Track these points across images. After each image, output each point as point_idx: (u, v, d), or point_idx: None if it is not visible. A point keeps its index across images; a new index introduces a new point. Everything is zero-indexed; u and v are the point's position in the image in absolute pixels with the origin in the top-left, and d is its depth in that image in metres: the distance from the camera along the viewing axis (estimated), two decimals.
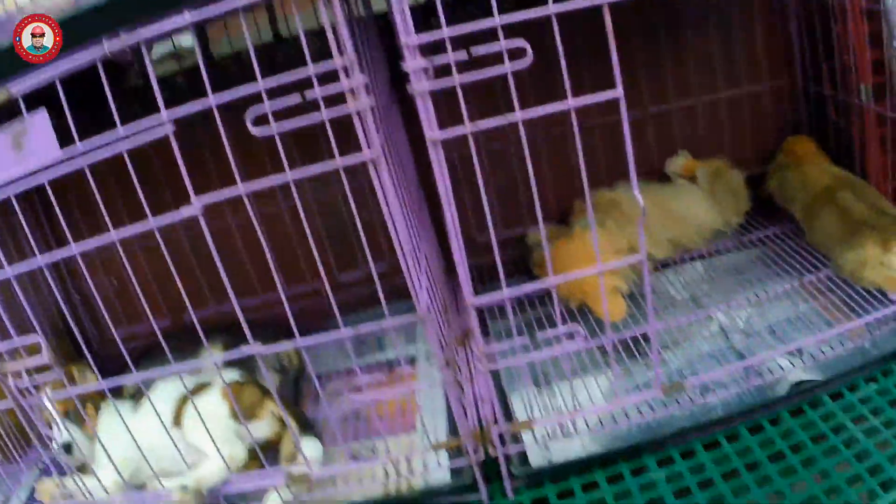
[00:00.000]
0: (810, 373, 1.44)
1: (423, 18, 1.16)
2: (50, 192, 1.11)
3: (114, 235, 1.12)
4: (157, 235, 1.12)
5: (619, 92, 1.07)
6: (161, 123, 1.05)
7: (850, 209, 1.66)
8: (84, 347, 1.35)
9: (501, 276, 1.18)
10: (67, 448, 1.37)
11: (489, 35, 1.03)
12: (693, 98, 2.02)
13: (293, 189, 1.11)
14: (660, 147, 2.03)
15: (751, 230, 2.00)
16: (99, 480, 1.34)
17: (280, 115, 1.04)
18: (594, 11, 1.03)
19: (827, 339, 1.47)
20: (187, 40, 1.96)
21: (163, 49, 2.13)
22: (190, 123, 1.07)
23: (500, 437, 1.30)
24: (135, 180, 1.09)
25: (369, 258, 1.18)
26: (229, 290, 1.15)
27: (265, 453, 1.37)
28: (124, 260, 1.18)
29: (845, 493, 1.21)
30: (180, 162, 1.05)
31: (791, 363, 1.47)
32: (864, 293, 1.58)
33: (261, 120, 1.04)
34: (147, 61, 1.04)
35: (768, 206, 2.00)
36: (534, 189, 1.13)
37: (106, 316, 1.26)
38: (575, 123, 1.09)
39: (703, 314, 1.70)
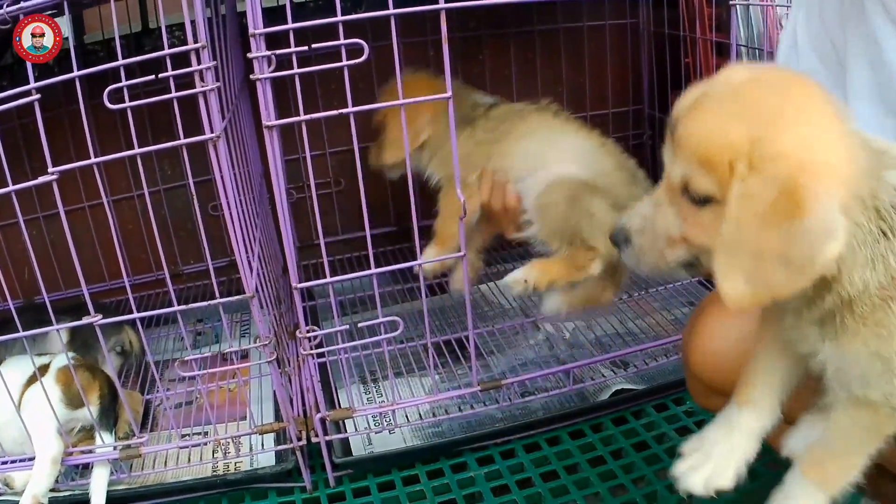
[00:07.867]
0: (633, 382, 1.52)
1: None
2: None
3: None
4: (17, 206, 1.13)
5: (448, 94, 1.17)
6: (28, 89, 1.06)
7: None
8: None
9: (326, 264, 1.24)
10: None
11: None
12: None
13: (140, 167, 1.14)
14: None
15: None
16: None
17: (137, 97, 1.07)
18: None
19: (651, 352, 1.55)
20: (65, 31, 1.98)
21: None
22: (56, 109, 1.07)
23: (322, 422, 1.33)
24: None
25: (205, 245, 1.21)
26: (76, 264, 1.16)
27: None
28: None
29: (665, 499, 1.28)
30: (41, 130, 1.06)
31: (613, 372, 1.55)
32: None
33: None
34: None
35: None
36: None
37: None
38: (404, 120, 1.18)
39: (530, 322, 1.77)
